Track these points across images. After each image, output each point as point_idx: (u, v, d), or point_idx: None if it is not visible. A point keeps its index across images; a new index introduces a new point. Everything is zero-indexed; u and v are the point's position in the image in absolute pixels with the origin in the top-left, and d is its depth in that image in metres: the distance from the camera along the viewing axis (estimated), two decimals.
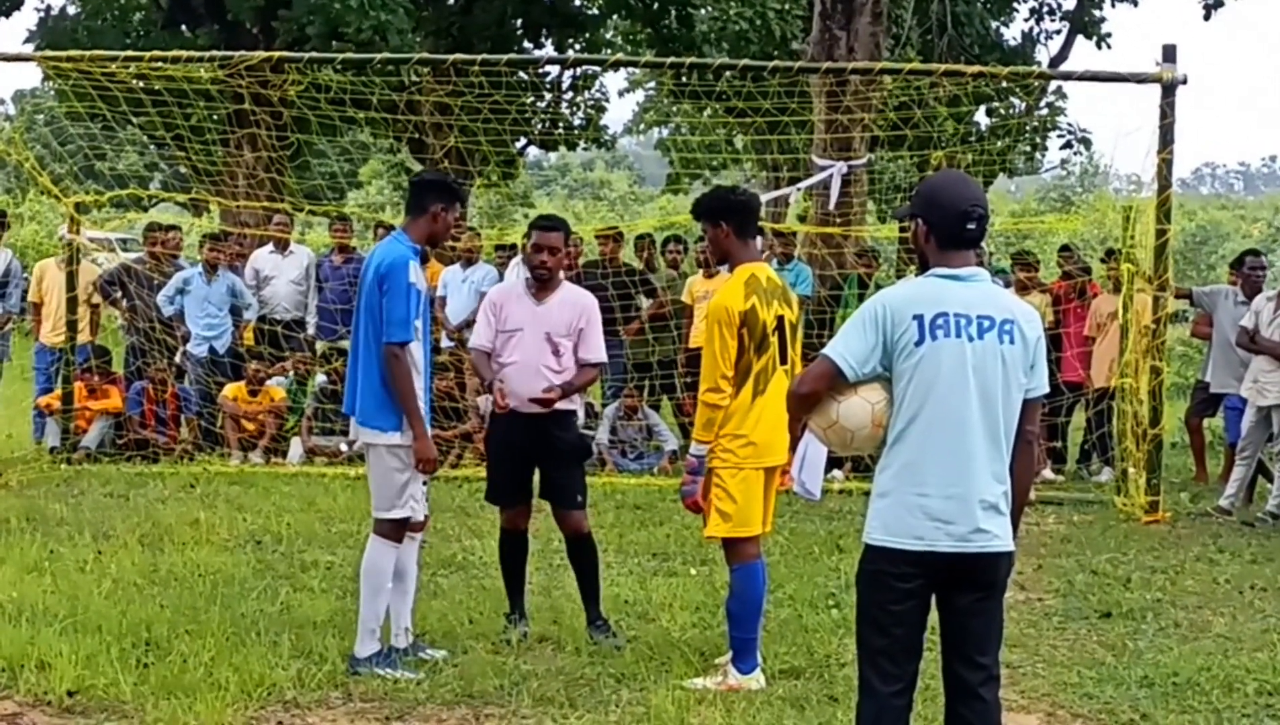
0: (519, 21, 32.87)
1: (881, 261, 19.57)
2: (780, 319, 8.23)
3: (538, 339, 9.13)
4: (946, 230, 5.61)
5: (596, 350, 9.36)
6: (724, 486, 8.16)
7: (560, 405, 9.11)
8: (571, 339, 9.23)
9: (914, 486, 5.49)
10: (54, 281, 17.27)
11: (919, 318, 5.49)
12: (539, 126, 34.74)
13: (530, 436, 9.14)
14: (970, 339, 5.48)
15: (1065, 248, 18.80)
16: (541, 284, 9.23)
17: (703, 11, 33.73)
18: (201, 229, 22.07)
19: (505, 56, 17.21)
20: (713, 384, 8.08)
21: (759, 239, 8.78)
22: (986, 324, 5.52)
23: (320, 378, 17.56)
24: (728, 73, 16.63)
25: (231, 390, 16.97)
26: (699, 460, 8.23)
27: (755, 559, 8.32)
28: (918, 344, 5.48)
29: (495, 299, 9.37)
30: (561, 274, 9.47)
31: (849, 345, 5.57)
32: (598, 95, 38.12)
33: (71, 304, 16.83)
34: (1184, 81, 14.21)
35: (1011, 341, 5.54)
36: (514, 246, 18.28)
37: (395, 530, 8.46)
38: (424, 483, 8.61)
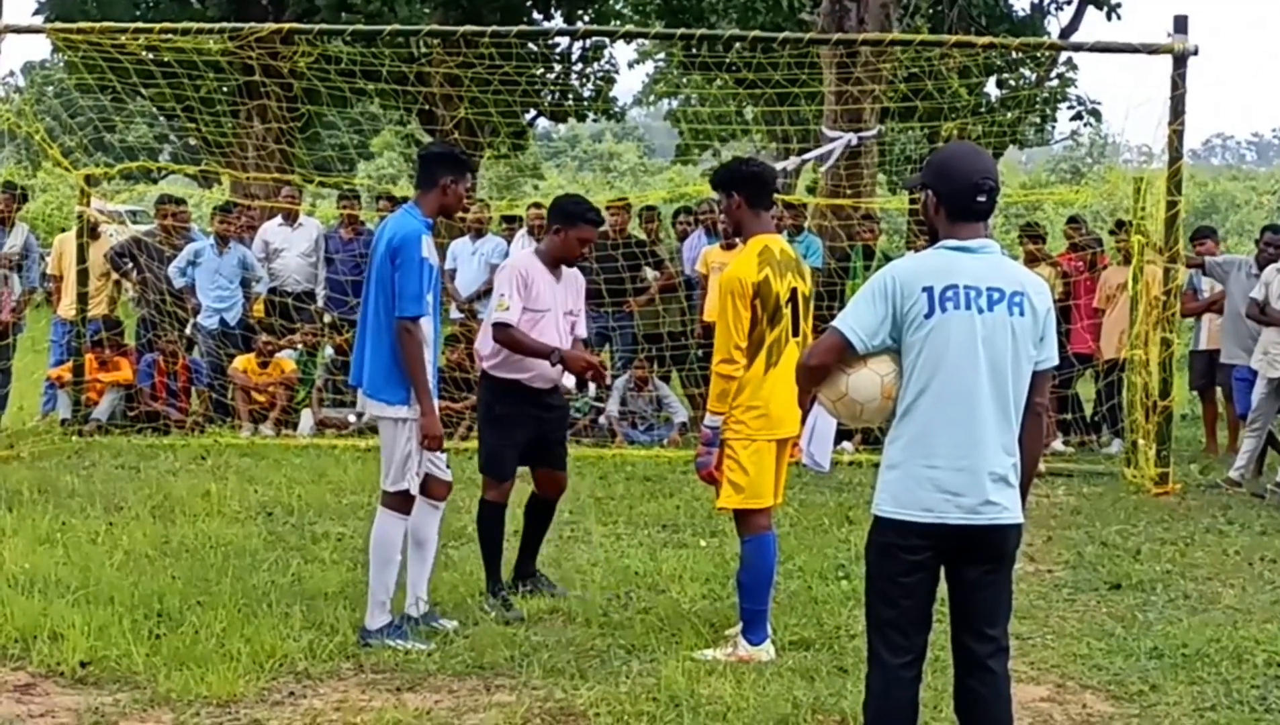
0: None
1: (886, 229, 19.55)
2: (794, 291, 8.25)
3: (558, 318, 9.29)
4: (957, 202, 5.60)
5: (584, 329, 9.74)
6: (736, 458, 8.17)
7: (562, 378, 9.38)
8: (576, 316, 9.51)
9: (923, 458, 5.50)
10: (72, 255, 17.30)
11: (928, 290, 5.50)
12: (549, 98, 34.68)
13: (539, 409, 9.32)
14: (980, 311, 5.48)
15: (1073, 219, 18.79)
16: (569, 265, 9.44)
17: None
18: (212, 201, 22.08)
19: (515, 28, 17.24)
20: (726, 355, 8.09)
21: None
22: (996, 296, 5.52)
23: (329, 350, 17.59)
24: (738, 44, 16.57)
25: (242, 362, 17.00)
26: (714, 431, 8.24)
27: (766, 531, 8.35)
28: (927, 316, 5.48)
29: (525, 274, 9.25)
30: None
31: (858, 317, 5.57)
32: (607, 66, 38.01)
33: (83, 276, 16.86)
34: (1195, 52, 14.17)
35: (1021, 313, 5.55)
36: (520, 218, 18.30)
37: (402, 502, 8.48)
38: (442, 451, 8.65)
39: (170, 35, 16.62)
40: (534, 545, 9.74)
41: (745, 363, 8.10)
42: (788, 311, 8.20)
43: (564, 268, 9.40)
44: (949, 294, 5.48)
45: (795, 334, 8.25)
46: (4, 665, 7.85)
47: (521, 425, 9.29)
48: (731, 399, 8.12)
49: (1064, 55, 34.07)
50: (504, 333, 9.11)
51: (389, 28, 17.62)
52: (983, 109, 25.84)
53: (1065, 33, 34.08)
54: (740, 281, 8.10)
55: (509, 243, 17.54)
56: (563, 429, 9.81)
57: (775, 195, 8.88)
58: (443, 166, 8.62)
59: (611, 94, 38.54)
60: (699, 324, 16.87)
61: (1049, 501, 13.54)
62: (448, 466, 8.83)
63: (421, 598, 8.74)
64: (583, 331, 9.62)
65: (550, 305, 9.22)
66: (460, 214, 16.81)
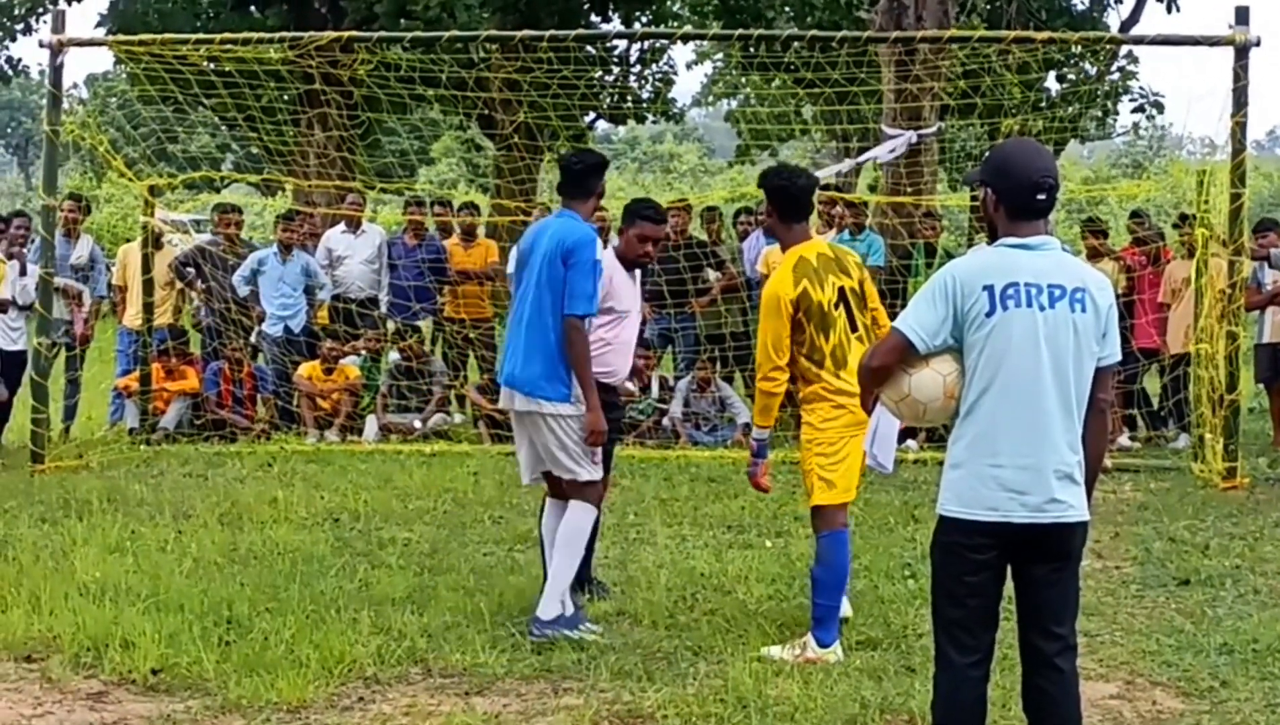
0: None
1: (948, 226, 19.44)
2: (841, 290, 8.31)
3: (636, 318, 9.48)
4: (1016, 200, 5.59)
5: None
6: (827, 455, 8.20)
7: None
8: None
9: (987, 457, 5.49)
10: (137, 265, 17.43)
11: (989, 288, 5.48)
12: (608, 100, 34.73)
13: (611, 411, 9.20)
14: (1041, 308, 5.47)
15: (1136, 213, 18.65)
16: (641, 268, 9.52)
17: None
18: (274, 209, 22.20)
19: (573, 32, 17.22)
20: (765, 372, 8.19)
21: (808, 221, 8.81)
22: (1058, 293, 5.50)
23: (394, 355, 17.66)
24: (796, 43, 16.56)
25: (306, 369, 17.09)
26: (760, 444, 8.42)
27: (844, 527, 8.37)
28: (989, 314, 5.47)
29: (608, 271, 9.21)
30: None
31: (919, 317, 5.57)
32: (666, 68, 38.06)
33: (148, 286, 16.99)
34: (1257, 43, 14.08)
35: (1083, 310, 5.53)
36: None
37: (593, 490, 8.73)
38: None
39: (231, 45, 16.72)
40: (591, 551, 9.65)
41: (814, 370, 8.19)
42: (840, 313, 8.25)
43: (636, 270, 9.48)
44: (1010, 292, 5.47)
45: (854, 330, 8.30)
46: (77, 673, 7.92)
47: (609, 425, 9.22)
48: (813, 404, 8.24)
49: (1124, 48, 33.89)
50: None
51: (448, 34, 17.67)
52: (1043, 104, 25.72)
53: (1125, 26, 33.91)
54: (779, 299, 8.20)
55: None
56: (618, 432, 9.88)
57: (810, 204, 8.81)
58: (598, 175, 9.06)
59: (670, 95, 38.56)
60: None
61: (1116, 497, 13.47)
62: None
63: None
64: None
65: (630, 307, 9.34)
66: (523, 217, 16.88)
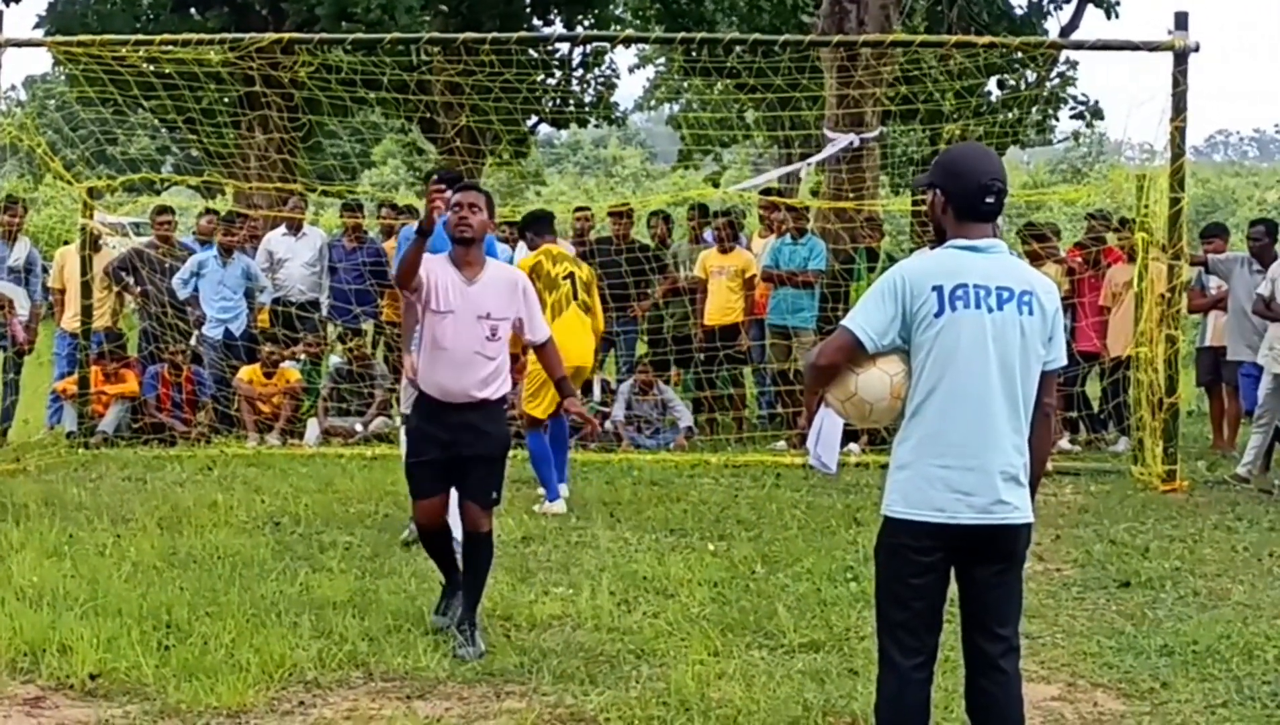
0: None
1: (890, 231, 19.45)
2: (571, 274, 12.88)
3: (470, 323, 8.60)
4: (965, 202, 5.60)
5: (543, 329, 9.09)
6: (533, 379, 12.52)
7: (488, 394, 8.65)
8: (511, 322, 8.80)
9: (934, 458, 5.49)
10: (75, 268, 17.25)
11: (938, 289, 5.49)
12: (550, 104, 34.66)
13: (454, 427, 8.62)
14: (990, 310, 5.48)
15: (1094, 214, 18.56)
16: (465, 247, 8.63)
17: None
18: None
19: (515, 35, 17.18)
20: None
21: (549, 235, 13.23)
22: (1006, 295, 5.51)
23: (334, 359, 17.58)
24: (738, 48, 16.57)
25: (247, 373, 16.99)
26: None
27: (541, 429, 12.70)
28: (937, 315, 5.48)
29: (431, 266, 8.58)
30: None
31: (868, 317, 5.57)
32: (608, 72, 37.96)
33: (86, 289, 16.83)
34: (1196, 49, 14.19)
35: (1030, 313, 5.54)
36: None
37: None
38: None
39: (171, 47, 16.61)
40: (466, 586, 8.71)
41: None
42: (566, 283, 12.79)
43: (485, 269, 8.73)
44: (959, 293, 5.48)
45: (575, 297, 12.83)
46: (14, 678, 7.84)
47: (431, 441, 8.69)
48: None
49: (1064, 54, 34.02)
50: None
51: (389, 36, 17.61)
52: (984, 109, 25.80)
53: (1065, 31, 34.03)
54: (523, 265, 12.24)
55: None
56: (490, 460, 8.74)
57: (552, 227, 13.57)
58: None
59: (613, 99, 38.51)
60: (699, 327, 16.98)
61: (1056, 500, 13.53)
62: None
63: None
64: (540, 335, 9.05)
65: (454, 307, 8.57)
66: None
